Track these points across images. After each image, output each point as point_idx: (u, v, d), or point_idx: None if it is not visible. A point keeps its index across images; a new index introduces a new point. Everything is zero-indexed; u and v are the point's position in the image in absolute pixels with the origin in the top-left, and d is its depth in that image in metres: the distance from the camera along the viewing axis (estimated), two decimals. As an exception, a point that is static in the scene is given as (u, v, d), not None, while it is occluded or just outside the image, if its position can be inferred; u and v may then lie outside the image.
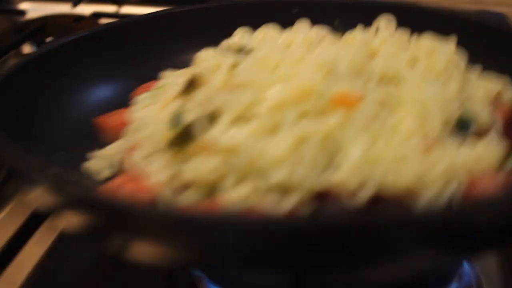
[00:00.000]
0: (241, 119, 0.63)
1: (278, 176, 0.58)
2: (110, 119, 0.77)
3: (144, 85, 0.82)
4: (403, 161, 0.60)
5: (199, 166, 0.60)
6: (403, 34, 0.82)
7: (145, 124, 0.69)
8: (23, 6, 1.44)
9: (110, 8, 1.49)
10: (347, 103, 0.63)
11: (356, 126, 0.62)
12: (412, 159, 0.60)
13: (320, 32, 0.82)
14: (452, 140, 0.65)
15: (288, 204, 0.58)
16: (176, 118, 0.65)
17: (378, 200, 0.59)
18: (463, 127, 0.69)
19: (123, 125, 0.74)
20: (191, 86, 0.69)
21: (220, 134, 0.61)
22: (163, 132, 0.65)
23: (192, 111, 0.65)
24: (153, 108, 0.72)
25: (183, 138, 0.63)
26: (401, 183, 0.59)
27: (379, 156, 0.60)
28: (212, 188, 0.61)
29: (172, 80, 0.75)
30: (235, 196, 0.58)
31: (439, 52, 0.77)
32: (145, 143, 0.67)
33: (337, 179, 0.58)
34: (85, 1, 1.34)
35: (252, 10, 0.92)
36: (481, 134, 0.69)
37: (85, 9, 1.43)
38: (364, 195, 0.58)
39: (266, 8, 0.93)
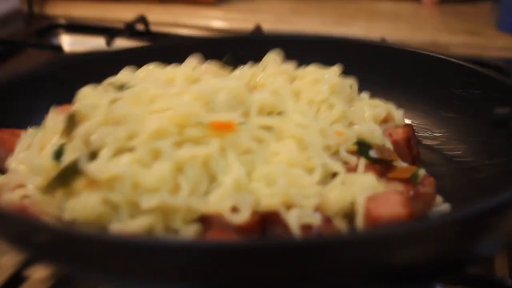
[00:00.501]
0: (121, 151, 0.67)
1: (150, 202, 0.62)
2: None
3: (62, 107, 0.85)
4: (274, 184, 0.66)
5: (79, 205, 0.64)
6: (289, 67, 0.89)
7: (25, 164, 0.73)
8: (60, 41, 1.58)
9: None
10: (223, 131, 0.68)
11: (232, 153, 0.68)
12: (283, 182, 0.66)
13: (204, 67, 0.87)
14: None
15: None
16: (56, 157, 0.69)
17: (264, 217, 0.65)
18: (363, 149, 0.75)
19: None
20: (71, 123, 0.73)
21: (101, 166, 0.64)
22: (43, 173, 0.69)
23: (73, 148, 0.69)
24: (33, 149, 0.75)
25: (65, 177, 0.66)
26: (272, 204, 0.64)
27: (255, 179, 0.67)
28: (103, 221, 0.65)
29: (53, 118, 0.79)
30: (134, 227, 0.62)
31: (322, 82, 0.83)
32: (25, 182, 0.70)
33: (209, 205, 0.63)
34: (119, 37, 1.44)
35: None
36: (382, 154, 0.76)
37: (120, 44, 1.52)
38: (242, 216, 0.63)
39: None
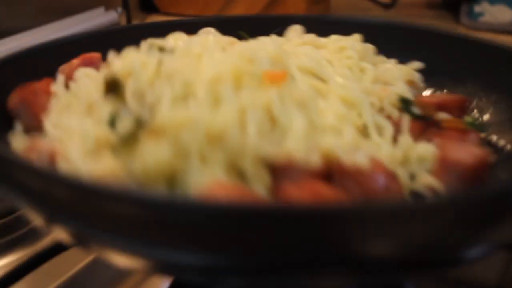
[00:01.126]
0: (180, 101, 0.65)
1: (232, 142, 0.60)
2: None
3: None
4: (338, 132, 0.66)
5: (150, 156, 0.60)
6: (312, 36, 0.88)
7: (69, 131, 0.68)
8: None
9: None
10: (277, 80, 0.67)
11: (291, 100, 0.66)
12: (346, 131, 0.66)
13: (225, 38, 0.85)
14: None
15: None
16: (111, 124, 0.65)
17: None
18: (406, 105, 0.75)
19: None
20: (113, 84, 0.70)
21: (166, 114, 0.62)
22: (100, 136, 0.65)
23: (130, 107, 0.67)
24: (73, 115, 0.71)
25: (128, 138, 0.64)
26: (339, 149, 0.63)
27: (319, 127, 0.65)
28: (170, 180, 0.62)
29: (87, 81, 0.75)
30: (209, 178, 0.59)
31: (348, 48, 0.83)
32: (73, 149, 0.65)
33: (288, 146, 0.61)
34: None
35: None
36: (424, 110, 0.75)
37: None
38: (314, 161, 0.61)
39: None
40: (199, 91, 0.64)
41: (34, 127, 0.74)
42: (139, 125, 0.63)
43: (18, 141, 0.71)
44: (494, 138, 0.80)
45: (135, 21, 1.80)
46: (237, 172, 0.61)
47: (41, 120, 0.73)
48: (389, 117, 0.73)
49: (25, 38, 1.51)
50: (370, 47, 0.86)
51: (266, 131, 0.62)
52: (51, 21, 1.61)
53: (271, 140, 0.62)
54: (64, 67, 0.83)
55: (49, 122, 0.71)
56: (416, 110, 0.74)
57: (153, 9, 1.86)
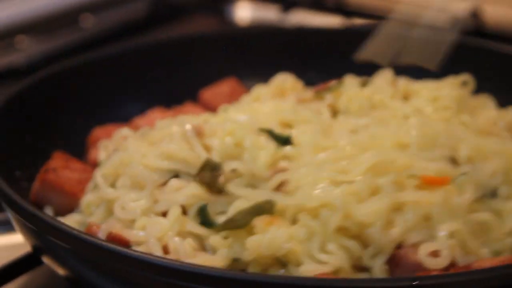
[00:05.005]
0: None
1: (373, 232, 0.63)
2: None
3: (103, 128, 0.88)
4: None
5: (266, 240, 0.62)
6: (405, 84, 0.90)
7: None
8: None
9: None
10: (437, 184, 0.67)
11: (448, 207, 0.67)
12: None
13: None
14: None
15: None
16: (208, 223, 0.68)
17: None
18: None
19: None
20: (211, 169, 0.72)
21: (308, 195, 0.65)
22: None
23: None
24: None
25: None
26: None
27: None
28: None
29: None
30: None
31: (443, 97, 0.84)
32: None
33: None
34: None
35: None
36: None
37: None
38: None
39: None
40: (357, 177, 0.66)
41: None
42: (256, 211, 0.65)
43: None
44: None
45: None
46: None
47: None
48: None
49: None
50: (465, 92, 0.88)
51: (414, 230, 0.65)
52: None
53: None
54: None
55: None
56: None
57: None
